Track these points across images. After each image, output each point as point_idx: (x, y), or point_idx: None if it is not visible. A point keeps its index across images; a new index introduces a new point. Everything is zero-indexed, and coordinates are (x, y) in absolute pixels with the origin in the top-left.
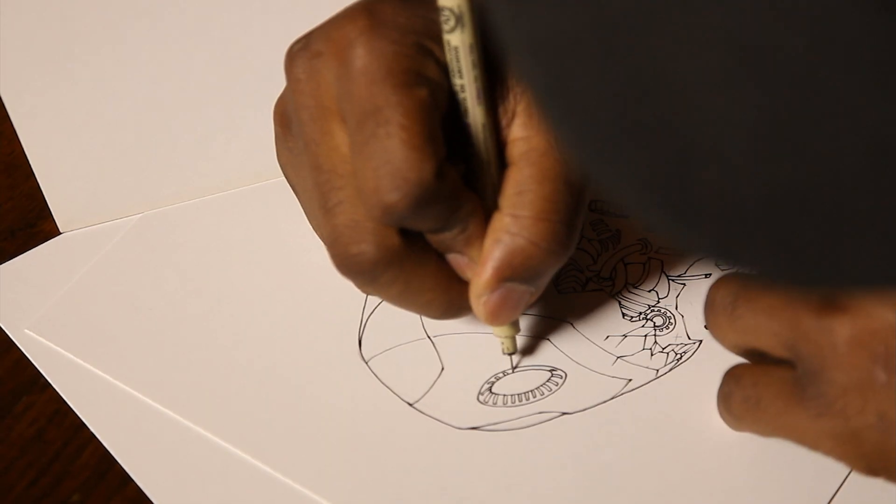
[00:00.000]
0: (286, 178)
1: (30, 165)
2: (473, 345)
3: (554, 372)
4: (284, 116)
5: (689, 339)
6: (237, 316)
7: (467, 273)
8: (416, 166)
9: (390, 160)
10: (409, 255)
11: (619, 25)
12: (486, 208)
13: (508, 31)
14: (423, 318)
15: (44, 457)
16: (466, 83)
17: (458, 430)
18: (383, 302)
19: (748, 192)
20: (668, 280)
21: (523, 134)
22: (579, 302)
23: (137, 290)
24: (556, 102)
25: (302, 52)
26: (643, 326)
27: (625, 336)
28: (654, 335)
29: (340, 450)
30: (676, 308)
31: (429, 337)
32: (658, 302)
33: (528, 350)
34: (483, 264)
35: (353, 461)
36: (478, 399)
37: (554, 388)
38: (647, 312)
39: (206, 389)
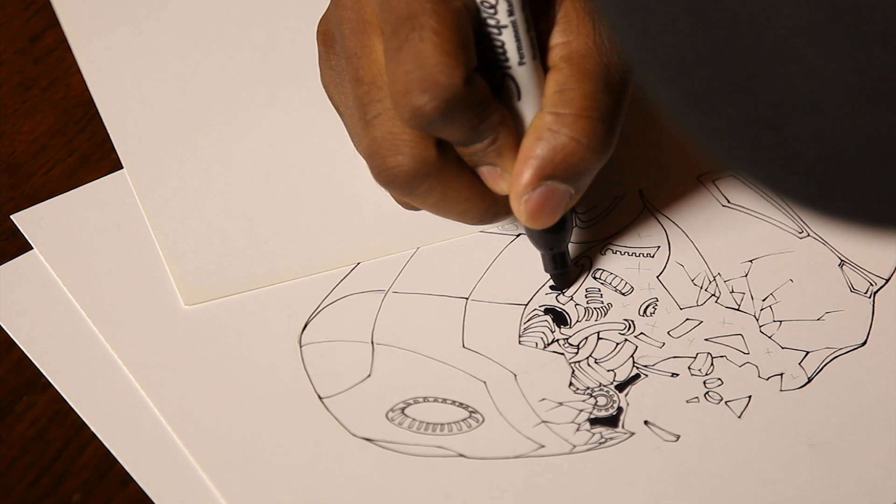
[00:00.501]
0: (329, 98)
1: (31, 165)
2: (410, 364)
3: (472, 414)
4: (327, 35)
5: (622, 428)
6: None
7: (500, 184)
8: (447, 71)
9: (422, 64)
10: (445, 166)
11: None
12: (515, 121)
13: None
14: (377, 324)
15: (45, 456)
16: None
17: (350, 437)
18: (348, 296)
19: (843, 140)
20: (633, 366)
21: (563, 39)
22: (533, 357)
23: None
24: (649, 63)
25: None
26: (584, 401)
27: (560, 404)
28: (590, 414)
29: (236, 423)
30: (626, 395)
31: (371, 343)
32: (611, 382)
33: (459, 386)
34: (523, 162)
35: (242, 437)
36: (386, 415)
37: (465, 428)
38: (595, 390)
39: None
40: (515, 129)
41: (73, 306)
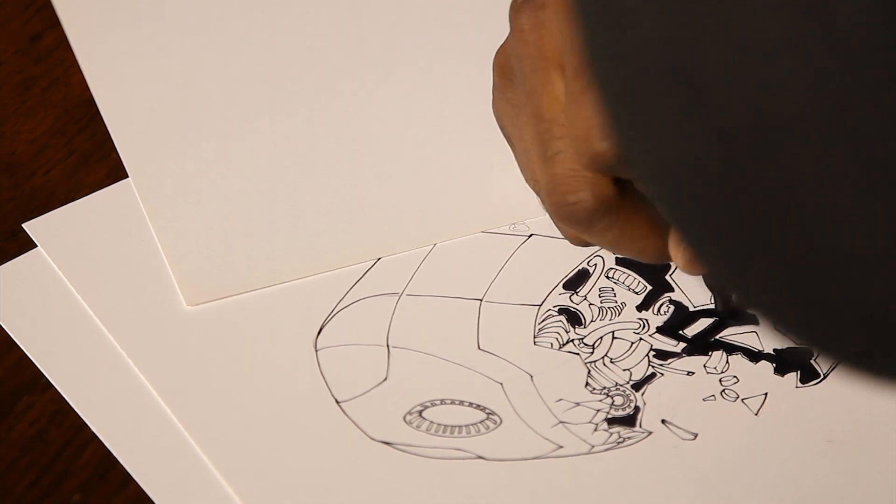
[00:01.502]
0: (501, 129)
1: (31, 165)
2: (426, 366)
3: (490, 416)
4: (505, 67)
5: (640, 427)
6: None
7: None
8: None
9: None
10: (624, 204)
11: (743, 144)
12: None
13: (635, 157)
14: (392, 327)
15: (44, 457)
16: None
17: (370, 440)
18: (363, 299)
19: (885, 296)
20: (649, 365)
21: None
22: (549, 358)
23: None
24: (685, 226)
25: (527, 4)
26: (600, 401)
27: (577, 404)
28: (608, 413)
29: (253, 427)
30: (643, 394)
31: (387, 346)
32: (627, 382)
33: (476, 388)
34: None
35: (259, 441)
36: (404, 418)
37: (483, 430)
38: (611, 389)
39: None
40: None
41: (74, 306)
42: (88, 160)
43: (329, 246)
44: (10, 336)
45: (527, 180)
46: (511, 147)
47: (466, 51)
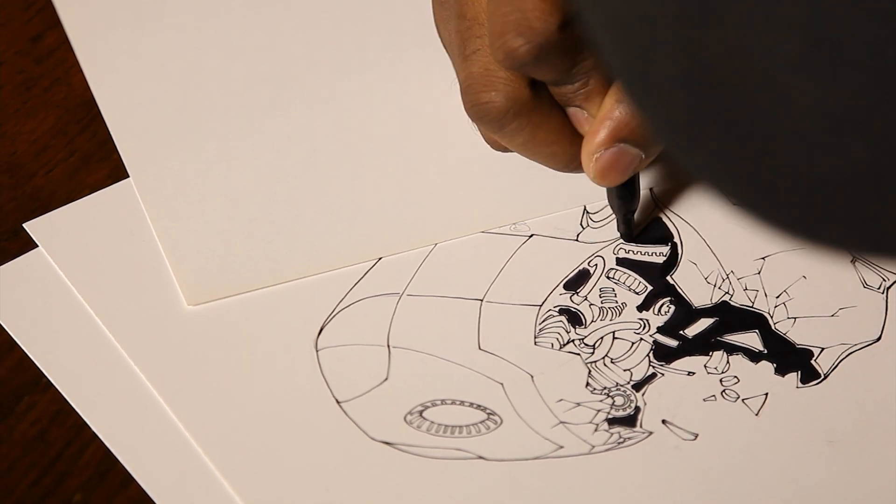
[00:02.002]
0: (438, 33)
1: (32, 165)
2: (426, 367)
3: (491, 416)
4: None
5: (640, 428)
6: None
7: (584, 128)
8: (543, 17)
9: (520, 7)
10: (536, 107)
11: (697, 9)
12: None
13: (589, 12)
14: (392, 327)
15: (46, 457)
16: None
17: (370, 440)
18: (364, 299)
19: (826, 169)
20: (650, 365)
21: None
22: (549, 358)
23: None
24: (636, 88)
25: None
26: (601, 401)
27: (577, 404)
28: (608, 414)
29: (253, 427)
30: (643, 394)
31: (388, 346)
32: (628, 382)
33: (477, 388)
34: (600, 121)
35: (260, 441)
36: (405, 418)
37: (484, 430)
38: (612, 390)
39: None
40: (607, 77)
41: (75, 306)
42: (89, 160)
43: (330, 246)
44: (11, 336)
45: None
46: (447, 52)
47: None
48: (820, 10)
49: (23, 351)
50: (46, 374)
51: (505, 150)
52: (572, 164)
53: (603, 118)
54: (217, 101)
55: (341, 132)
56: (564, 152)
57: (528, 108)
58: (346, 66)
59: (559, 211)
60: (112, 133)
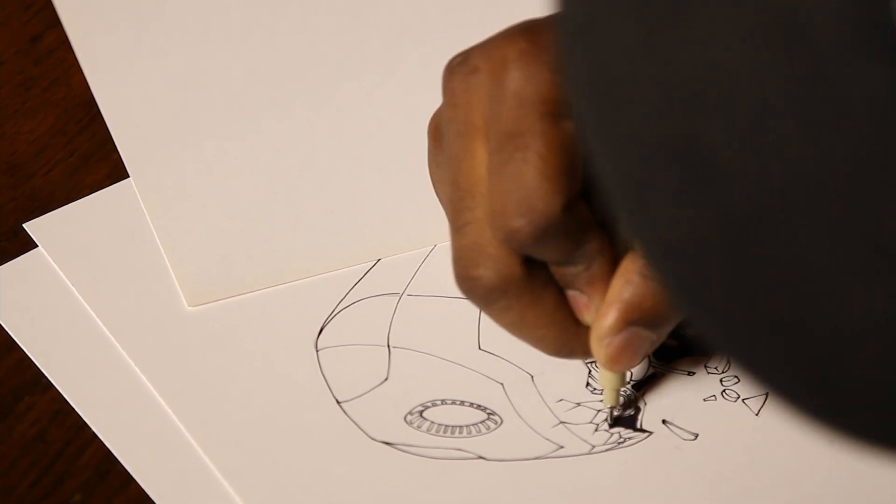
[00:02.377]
0: (436, 193)
1: (32, 165)
2: (426, 367)
3: (491, 416)
4: (437, 131)
5: (641, 428)
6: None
7: (584, 314)
8: (546, 197)
9: (522, 186)
10: (527, 288)
11: (747, 222)
12: (617, 250)
13: (634, 230)
14: (393, 327)
15: (45, 457)
16: None
17: (370, 441)
18: (364, 299)
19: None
20: (649, 365)
21: None
22: (549, 359)
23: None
24: (691, 307)
25: (460, 67)
26: (601, 401)
27: (578, 404)
28: (608, 413)
29: (253, 427)
30: (644, 394)
31: (388, 346)
32: (628, 381)
33: (477, 388)
34: (610, 305)
35: (260, 441)
36: (405, 418)
37: (484, 430)
38: None
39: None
40: (612, 261)
41: (74, 307)
42: (89, 160)
43: (330, 247)
44: (10, 336)
45: None
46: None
47: None
48: (879, 226)
49: (22, 351)
50: (46, 374)
51: None
52: (562, 350)
53: (613, 300)
54: (217, 101)
55: (341, 132)
56: (555, 337)
57: (517, 288)
58: (346, 67)
59: None
60: (112, 133)
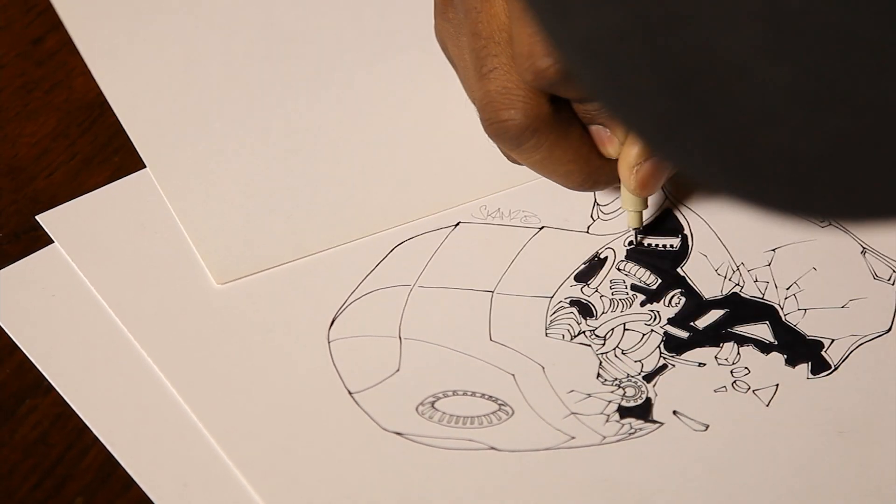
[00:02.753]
0: (443, 49)
1: (33, 168)
2: (438, 358)
3: (502, 407)
4: None
5: (652, 418)
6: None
7: (607, 146)
8: None
9: None
10: (554, 125)
11: (661, 14)
12: None
13: (555, 31)
14: (404, 319)
15: (47, 460)
16: None
17: (382, 431)
18: (375, 291)
19: (807, 145)
20: (661, 356)
21: None
22: (560, 350)
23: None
24: (613, 100)
25: None
26: (612, 392)
27: (588, 395)
28: (619, 404)
29: (267, 417)
30: (654, 385)
31: (399, 337)
32: (639, 373)
33: (488, 379)
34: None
35: (272, 432)
36: (416, 409)
37: (496, 421)
38: (623, 381)
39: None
40: None
41: (76, 309)
42: (91, 162)
43: (348, 217)
44: (12, 339)
45: (470, 98)
46: (454, 68)
47: None
48: (773, 4)
49: (24, 354)
50: (47, 377)
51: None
52: (587, 183)
53: None
54: (224, 79)
55: (352, 103)
56: (580, 170)
57: (546, 126)
58: (351, 43)
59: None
60: (122, 122)
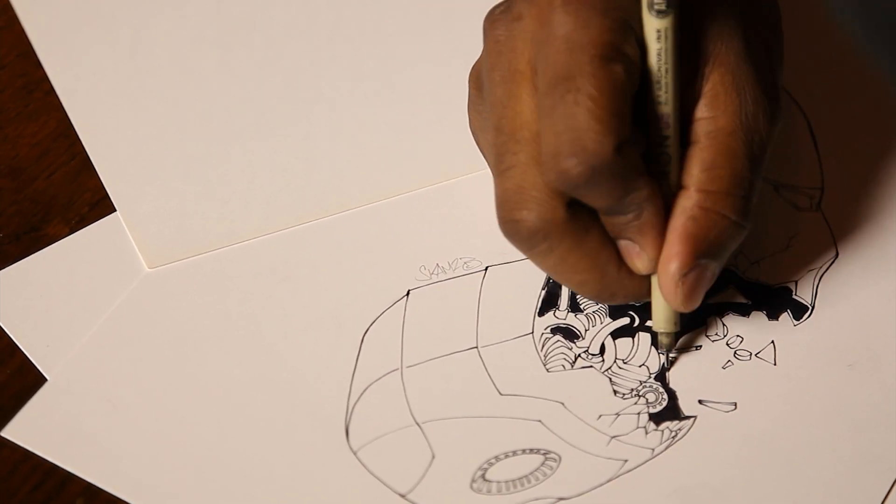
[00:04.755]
0: (476, 141)
1: (34, 169)
2: (463, 430)
3: (548, 455)
4: (479, 79)
5: (684, 415)
6: (219, 412)
7: (636, 262)
8: (598, 138)
9: (574, 127)
10: (569, 231)
11: None
12: (665, 193)
13: None
14: (411, 404)
15: (47, 461)
16: (667, 65)
17: None
18: (369, 386)
19: None
20: (658, 354)
21: (709, 114)
22: (569, 380)
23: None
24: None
25: (503, 15)
26: (636, 404)
27: (618, 415)
28: (648, 412)
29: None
30: (668, 383)
31: (417, 424)
32: (650, 377)
33: (520, 434)
34: (677, 243)
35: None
36: (471, 487)
37: (549, 472)
38: (639, 389)
39: (191, 489)
40: (662, 209)
41: (77, 310)
42: (91, 164)
43: (285, 204)
44: (12, 340)
45: None
46: (485, 159)
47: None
48: None
49: (24, 355)
50: (48, 377)
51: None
52: (603, 295)
53: (679, 238)
54: (164, 65)
55: (288, 92)
56: (596, 280)
57: (559, 230)
58: (294, 27)
59: None
60: (64, 105)
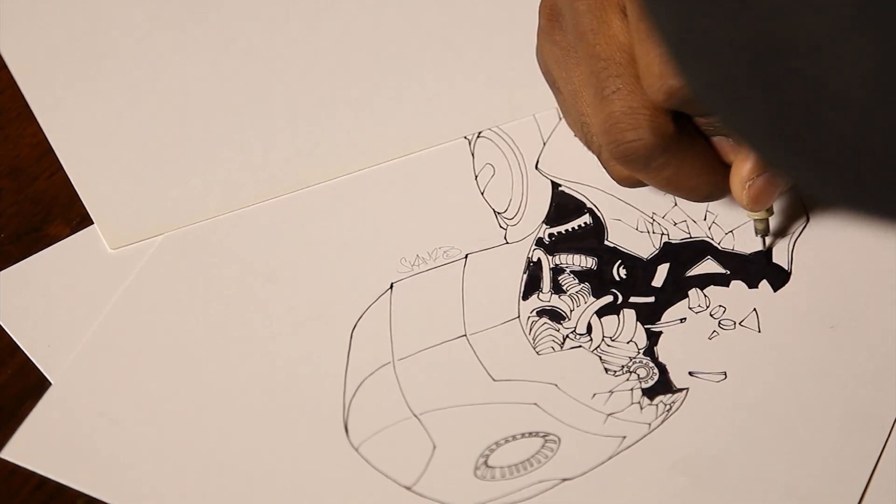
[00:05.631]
0: (547, 73)
1: (35, 169)
2: (461, 419)
3: (547, 438)
4: (554, 10)
5: (676, 388)
6: (216, 420)
7: (730, 156)
8: None
9: None
10: (681, 141)
11: (776, 38)
12: None
13: (679, 47)
14: (407, 396)
15: None
16: None
17: None
18: (364, 381)
19: (875, 134)
20: (645, 329)
21: None
22: (560, 362)
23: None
24: (686, 53)
25: None
26: (628, 380)
27: (611, 392)
28: (640, 388)
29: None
30: (658, 358)
31: (415, 416)
32: (638, 353)
33: (517, 418)
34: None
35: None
36: (475, 474)
37: (550, 454)
38: (630, 365)
39: (191, 491)
40: None
41: (78, 310)
42: None
43: (246, 183)
44: (13, 340)
45: (571, 125)
46: (555, 91)
47: None
48: None
49: (25, 355)
50: (49, 378)
51: (637, 185)
52: (712, 196)
53: None
54: (121, 44)
55: (249, 68)
56: (707, 184)
57: (674, 143)
58: (251, 1)
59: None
60: (15, 76)
